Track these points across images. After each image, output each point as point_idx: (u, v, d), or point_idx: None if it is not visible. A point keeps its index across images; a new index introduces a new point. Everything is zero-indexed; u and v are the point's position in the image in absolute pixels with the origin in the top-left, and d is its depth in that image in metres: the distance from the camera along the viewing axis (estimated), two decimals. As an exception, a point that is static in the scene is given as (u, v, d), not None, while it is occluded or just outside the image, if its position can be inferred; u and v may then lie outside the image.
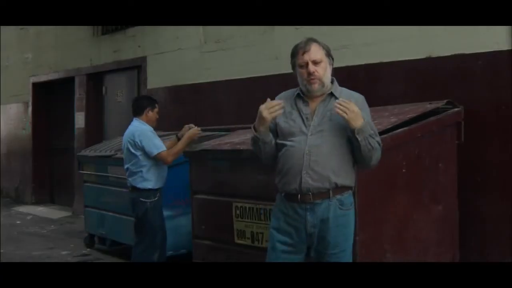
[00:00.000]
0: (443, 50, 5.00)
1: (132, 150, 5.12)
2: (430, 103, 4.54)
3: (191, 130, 5.12)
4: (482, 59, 4.76)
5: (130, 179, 5.17)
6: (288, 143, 3.15)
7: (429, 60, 5.11)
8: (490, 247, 4.72)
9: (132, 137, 5.15)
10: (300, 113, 3.19)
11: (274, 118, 3.15)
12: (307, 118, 3.16)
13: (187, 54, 7.62)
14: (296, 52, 3.20)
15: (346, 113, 2.97)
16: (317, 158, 3.07)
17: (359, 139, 3.00)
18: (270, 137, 3.20)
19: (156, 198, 5.11)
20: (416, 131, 4.24)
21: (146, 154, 5.08)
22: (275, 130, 3.24)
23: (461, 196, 4.59)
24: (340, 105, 2.99)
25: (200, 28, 7.34)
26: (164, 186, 5.24)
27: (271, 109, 3.10)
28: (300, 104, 3.21)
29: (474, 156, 4.72)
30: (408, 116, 4.25)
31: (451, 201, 4.55)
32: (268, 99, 3.15)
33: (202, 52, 7.39)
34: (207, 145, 5.01)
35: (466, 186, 4.62)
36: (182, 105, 7.67)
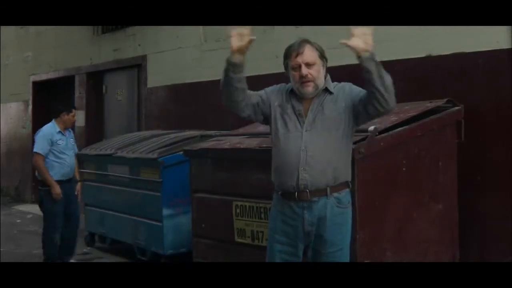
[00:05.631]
0: (443, 49, 5.00)
1: None
2: (430, 102, 4.54)
3: (56, 189, 5.78)
4: (482, 58, 4.75)
5: None
6: (283, 139, 3.15)
7: (429, 59, 5.10)
8: (490, 246, 4.72)
9: None
10: (293, 109, 3.17)
11: (244, 48, 3.02)
12: (300, 114, 3.15)
13: (187, 52, 7.61)
14: (289, 54, 3.16)
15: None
16: (313, 153, 3.07)
17: (370, 66, 2.93)
18: (241, 71, 3.09)
19: (49, 188, 5.79)
20: (416, 130, 4.24)
21: None
22: (264, 112, 3.22)
23: (461, 195, 4.58)
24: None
25: (200, 26, 7.33)
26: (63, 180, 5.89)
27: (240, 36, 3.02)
28: (294, 99, 3.19)
29: (474, 155, 4.71)
30: (408, 115, 4.25)
31: (451, 200, 4.55)
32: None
33: (202, 51, 7.38)
34: (207, 144, 5.01)
35: (466, 185, 4.62)
36: (182, 104, 7.67)
